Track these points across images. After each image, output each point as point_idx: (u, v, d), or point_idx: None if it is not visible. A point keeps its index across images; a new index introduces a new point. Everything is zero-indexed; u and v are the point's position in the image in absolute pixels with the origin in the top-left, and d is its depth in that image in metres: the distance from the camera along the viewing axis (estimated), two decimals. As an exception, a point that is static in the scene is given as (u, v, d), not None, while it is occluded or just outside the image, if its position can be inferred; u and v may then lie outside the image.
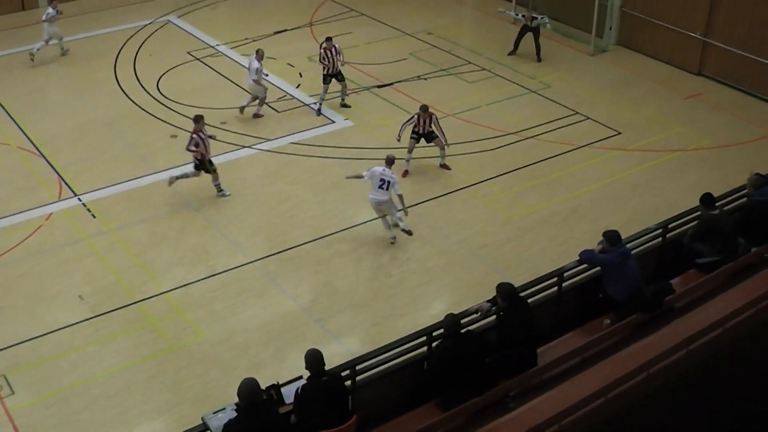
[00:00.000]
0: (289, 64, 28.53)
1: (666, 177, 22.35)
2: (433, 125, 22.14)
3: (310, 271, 18.75)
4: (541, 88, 26.98)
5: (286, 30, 31.48)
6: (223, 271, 18.67)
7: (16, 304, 17.74)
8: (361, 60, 28.29)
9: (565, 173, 22.46)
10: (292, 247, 19.47)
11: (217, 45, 30.17)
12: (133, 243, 19.61)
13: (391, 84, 27.08)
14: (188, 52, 29.56)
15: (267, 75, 25.49)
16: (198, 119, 20.84)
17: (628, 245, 14.82)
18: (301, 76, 27.72)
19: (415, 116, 22.04)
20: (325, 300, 17.90)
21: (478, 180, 21.99)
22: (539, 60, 28.91)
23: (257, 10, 33.63)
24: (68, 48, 29.61)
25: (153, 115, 25.29)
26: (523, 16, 29.56)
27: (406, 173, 22.16)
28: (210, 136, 21.13)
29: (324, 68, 25.12)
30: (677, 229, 16.34)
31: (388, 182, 19.03)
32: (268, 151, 23.47)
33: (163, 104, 25.92)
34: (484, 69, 27.95)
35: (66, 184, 21.93)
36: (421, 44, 30.18)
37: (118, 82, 27.43)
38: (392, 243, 19.51)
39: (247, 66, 25.29)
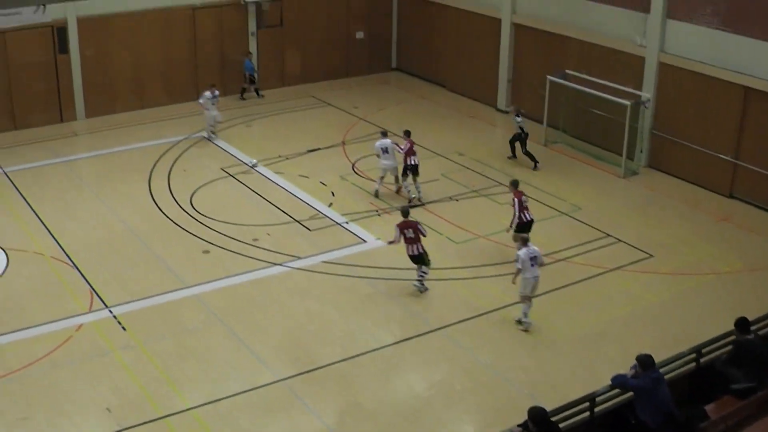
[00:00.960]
0: (321, 182, 28.78)
1: (698, 300, 22.19)
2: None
3: (337, 391, 18.59)
4: (572, 210, 27.03)
5: (319, 148, 31.84)
6: (251, 389, 18.55)
7: (41, 416, 17.66)
8: (392, 180, 28.46)
9: (595, 296, 22.34)
10: (320, 367, 19.35)
11: (251, 162, 30.48)
12: (161, 356, 19.58)
13: (423, 204, 27.20)
14: (222, 169, 29.90)
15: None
16: None
17: (661, 370, 14.66)
18: (333, 194, 27.92)
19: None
20: (351, 420, 17.71)
21: (507, 303, 21.86)
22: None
23: (291, 128, 34.08)
24: (215, 134, 32.05)
25: (185, 230, 25.50)
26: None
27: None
28: None
29: (405, 160, 27.22)
30: (711, 353, 16.18)
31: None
32: (299, 269, 23.52)
33: (195, 219, 26.14)
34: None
35: (97, 295, 22.04)
36: (452, 165, 30.41)
37: (152, 195, 27.74)
38: None
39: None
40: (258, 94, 37.60)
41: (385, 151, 27.45)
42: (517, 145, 30.56)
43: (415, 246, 22.02)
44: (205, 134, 32.53)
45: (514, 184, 24.14)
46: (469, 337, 20.49)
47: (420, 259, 22.16)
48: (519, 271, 20.49)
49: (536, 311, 21.24)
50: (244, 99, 37.33)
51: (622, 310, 21.73)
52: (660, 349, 17.85)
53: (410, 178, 27.38)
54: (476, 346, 20.17)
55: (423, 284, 22.28)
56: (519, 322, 20.80)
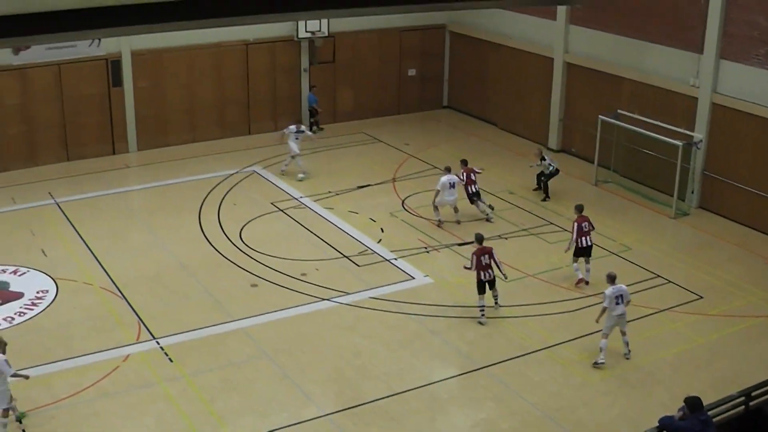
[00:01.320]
0: (371, 218, 28.83)
1: (748, 343, 21.91)
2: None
3: (382, 427, 18.52)
4: (622, 250, 26.84)
5: (369, 185, 31.91)
6: (295, 423, 18.53)
7: (88, 447, 17.77)
8: (442, 217, 28.42)
9: (644, 337, 22.11)
10: (365, 402, 19.30)
11: (301, 197, 30.63)
12: (206, 389, 19.62)
13: (472, 242, 27.07)
14: (272, 203, 30.04)
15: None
16: None
17: (709, 413, 14.46)
18: (382, 231, 27.94)
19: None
20: (396, 457, 17.65)
21: (555, 342, 21.75)
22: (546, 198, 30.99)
23: (341, 164, 34.21)
24: (287, 169, 32.63)
25: (234, 263, 25.62)
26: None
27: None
28: None
29: (467, 189, 28.81)
30: (760, 397, 15.92)
31: None
32: (347, 304, 23.52)
33: (244, 253, 26.26)
34: (564, 230, 27.90)
35: (145, 326, 22.17)
36: (502, 203, 30.33)
37: (201, 228, 27.92)
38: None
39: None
40: (317, 127, 38.04)
41: (452, 186, 28.08)
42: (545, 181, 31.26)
43: (488, 272, 22.50)
44: (282, 167, 33.06)
45: (579, 208, 24.98)
46: (516, 376, 20.35)
47: (492, 285, 22.73)
48: (605, 309, 20.70)
49: (584, 351, 21.10)
50: (318, 130, 38.02)
51: (670, 352, 21.50)
52: (708, 392, 17.64)
53: (482, 204, 29.04)
54: (523, 385, 20.03)
55: (484, 314, 22.71)
56: (596, 363, 20.82)
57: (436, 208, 28.31)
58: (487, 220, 28.77)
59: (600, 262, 25.94)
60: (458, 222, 28.38)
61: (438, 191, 28.03)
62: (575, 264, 24.66)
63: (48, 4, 5.27)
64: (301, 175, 32.22)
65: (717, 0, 28.50)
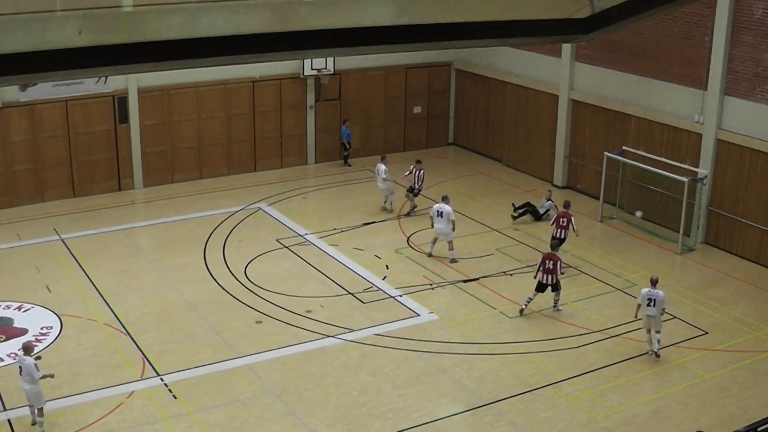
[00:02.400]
0: (376, 255, 28.84)
1: (755, 379, 21.82)
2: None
3: (388, 464, 18.47)
4: (627, 287, 26.79)
5: (374, 222, 31.94)
6: (300, 460, 18.48)
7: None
8: (447, 254, 28.43)
9: (650, 373, 22.06)
10: (371, 439, 19.25)
11: (306, 234, 30.66)
12: (211, 427, 19.57)
13: (477, 279, 27.14)
14: (277, 240, 30.07)
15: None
16: None
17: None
18: (387, 268, 27.94)
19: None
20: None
21: (561, 378, 21.69)
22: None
23: (346, 201, 34.26)
24: (391, 207, 33.09)
25: (239, 300, 25.61)
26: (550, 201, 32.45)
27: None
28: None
29: (411, 183, 32.37)
30: (767, 434, 15.87)
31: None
32: (352, 341, 23.49)
33: (249, 290, 26.25)
34: (569, 266, 27.90)
35: (149, 363, 22.13)
36: (507, 240, 30.35)
37: (206, 265, 27.93)
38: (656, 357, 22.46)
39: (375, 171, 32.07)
40: (346, 162, 38.71)
41: (440, 215, 28.18)
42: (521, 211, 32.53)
43: (550, 276, 24.35)
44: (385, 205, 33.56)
45: (565, 204, 28.19)
46: (522, 413, 20.28)
47: (554, 288, 24.69)
48: (638, 306, 22.69)
49: (590, 387, 21.04)
50: (349, 165, 38.64)
51: (677, 387, 21.42)
52: (715, 428, 17.63)
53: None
54: (529, 422, 19.95)
55: (559, 306, 25.18)
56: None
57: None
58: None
59: (605, 298, 25.96)
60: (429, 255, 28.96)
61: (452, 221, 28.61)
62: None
63: (55, 42, 5.32)
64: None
65: (721, 37, 28.63)
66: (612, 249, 29.52)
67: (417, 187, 32.52)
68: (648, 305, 22.21)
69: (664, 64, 31.11)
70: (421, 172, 32.62)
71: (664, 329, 23.84)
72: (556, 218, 28.09)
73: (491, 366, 22.25)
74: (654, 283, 22.49)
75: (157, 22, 5.42)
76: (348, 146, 38.30)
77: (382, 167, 32.92)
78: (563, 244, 27.13)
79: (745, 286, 27.19)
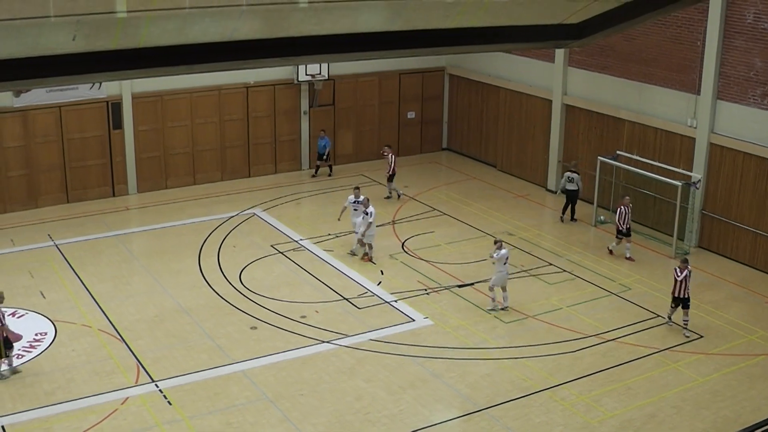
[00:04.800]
0: (371, 260, 28.81)
1: (749, 382, 21.85)
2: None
3: (383, 469, 18.46)
4: (622, 291, 26.83)
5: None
6: (295, 466, 18.47)
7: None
8: (442, 259, 28.49)
9: (644, 377, 22.08)
10: (366, 444, 19.24)
11: (301, 239, 30.66)
12: (206, 433, 19.58)
13: (472, 284, 27.15)
14: (272, 245, 30.06)
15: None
16: None
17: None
18: (382, 273, 27.94)
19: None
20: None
21: (556, 383, 21.70)
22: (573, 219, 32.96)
23: (341, 207, 34.18)
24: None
25: (234, 306, 25.59)
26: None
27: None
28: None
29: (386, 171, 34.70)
30: (762, 438, 15.88)
31: None
32: (346, 347, 23.48)
33: (244, 295, 26.24)
34: (564, 270, 27.94)
35: (144, 369, 22.11)
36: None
37: (201, 271, 27.92)
38: None
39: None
40: (326, 170, 38.43)
41: (355, 208, 29.60)
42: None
43: (680, 289, 24.17)
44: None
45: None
46: (517, 418, 20.29)
47: (685, 305, 24.26)
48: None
49: (585, 392, 21.05)
50: (330, 175, 38.29)
51: (672, 391, 21.44)
52: (710, 431, 17.61)
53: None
54: (524, 426, 19.95)
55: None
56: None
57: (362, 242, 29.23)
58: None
59: (600, 302, 25.97)
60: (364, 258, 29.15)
61: (370, 224, 28.72)
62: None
63: (49, 48, 5.33)
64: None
65: (713, 42, 28.71)
66: (606, 253, 29.54)
67: (388, 172, 34.93)
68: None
69: (657, 69, 31.19)
70: (392, 156, 34.90)
71: (659, 334, 23.91)
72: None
73: (486, 371, 22.26)
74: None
75: (151, 28, 5.43)
76: (326, 157, 37.96)
77: (356, 199, 30.09)
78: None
79: (738, 289, 27.23)
